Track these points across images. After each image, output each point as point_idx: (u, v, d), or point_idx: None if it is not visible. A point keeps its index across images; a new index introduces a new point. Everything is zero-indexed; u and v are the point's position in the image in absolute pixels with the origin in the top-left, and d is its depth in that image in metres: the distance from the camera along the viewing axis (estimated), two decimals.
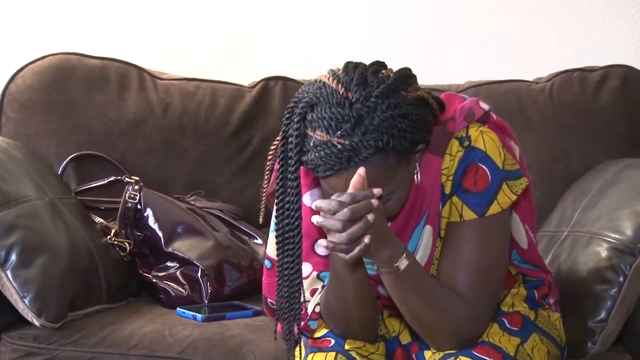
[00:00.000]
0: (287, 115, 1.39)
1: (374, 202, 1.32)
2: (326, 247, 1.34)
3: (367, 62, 1.44)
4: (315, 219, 1.33)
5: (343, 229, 1.32)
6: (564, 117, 2.22)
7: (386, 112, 1.35)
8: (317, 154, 1.35)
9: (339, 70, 1.40)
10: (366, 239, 1.32)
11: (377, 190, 1.33)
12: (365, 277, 1.47)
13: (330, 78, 1.38)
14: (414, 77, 1.41)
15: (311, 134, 1.36)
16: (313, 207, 1.34)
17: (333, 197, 1.34)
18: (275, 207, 1.44)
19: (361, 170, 1.33)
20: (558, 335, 1.59)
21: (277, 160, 1.41)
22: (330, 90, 1.36)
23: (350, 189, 1.33)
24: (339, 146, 1.34)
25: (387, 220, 1.43)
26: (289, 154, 1.38)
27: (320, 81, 1.39)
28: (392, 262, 1.38)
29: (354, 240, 1.32)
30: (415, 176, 1.45)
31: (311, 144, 1.36)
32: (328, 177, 1.38)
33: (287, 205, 1.41)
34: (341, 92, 1.35)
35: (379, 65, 1.40)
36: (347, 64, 1.41)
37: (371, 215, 1.32)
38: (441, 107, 1.46)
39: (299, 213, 1.41)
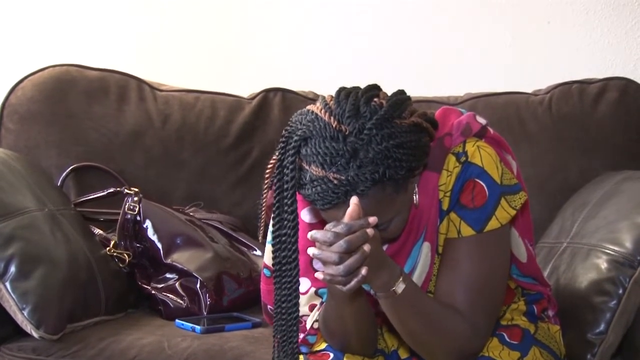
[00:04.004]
0: (282, 145, 1.38)
1: (370, 231, 1.31)
2: (323, 279, 1.32)
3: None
4: (311, 251, 1.32)
5: (340, 261, 1.30)
6: (563, 129, 2.22)
7: (381, 144, 1.33)
8: (314, 189, 1.35)
9: (331, 99, 1.38)
10: (363, 271, 1.31)
11: (372, 219, 1.32)
12: (364, 303, 1.46)
13: (322, 110, 1.36)
14: (407, 100, 1.39)
15: (307, 167, 1.35)
16: (308, 237, 1.33)
17: (328, 226, 1.32)
18: (271, 238, 1.43)
19: (355, 199, 1.32)
20: (558, 348, 1.58)
21: (274, 190, 1.40)
22: (323, 124, 1.34)
23: (346, 219, 1.31)
24: (335, 181, 1.33)
25: (384, 245, 1.43)
26: (285, 186, 1.37)
27: (312, 112, 1.37)
28: (389, 287, 1.37)
29: (351, 272, 1.31)
30: (414, 197, 1.45)
31: (307, 178, 1.35)
32: (327, 210, 1.37)
33: (283, 238, 1.40)
34: (334, 125, 1.34)
35: (372, 90, 1.38)
36: (339, 91, 1.38)
37: (367, 246, 1.30)
38: (435, 127, 1.45)
39: (295, 246, 1.40)
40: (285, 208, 1.38)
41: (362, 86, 1.41)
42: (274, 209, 1.40)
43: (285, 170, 1.37)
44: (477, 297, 1.44)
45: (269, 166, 1.45)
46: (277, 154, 1.39)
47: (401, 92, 1.40)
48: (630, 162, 2.17)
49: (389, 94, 1.41)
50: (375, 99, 1.37)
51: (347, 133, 1.34)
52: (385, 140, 1.34)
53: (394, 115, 1.36)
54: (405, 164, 1.35)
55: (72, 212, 2.04)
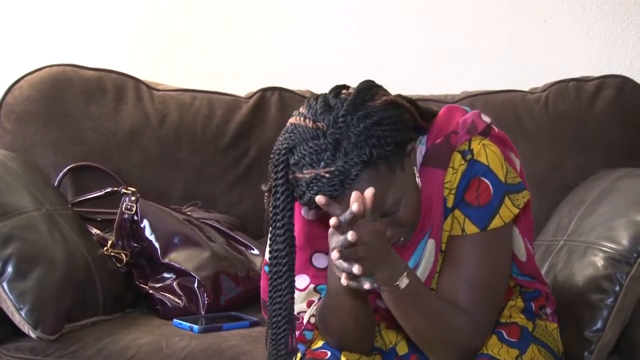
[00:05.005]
0: (272, 166, 1.40)
1: (355, 208, 1.29)
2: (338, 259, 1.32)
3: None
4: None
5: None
6: (560, 127, 2.23)
7: (359, 126, 1.35)
8: (311, 192, 1.36)
9: (303, 108, 1.41)
10: (355, 269, 1.30)
11: (368, 193, 1.31)
12: (363, 298, 1.46)
13: (298, 117, 1.39)
14: (377, 86, 1.42)
15: (300, 175, 1.37)
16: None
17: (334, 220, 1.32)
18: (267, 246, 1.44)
19: (354, 196, 1.31)
20: (555, 345, 1.59)
21: (270, 208, 1.42)
22: (301, 129, 1.37)
23: (353, 199, 1.31)
24: (328, 175, 1.35)
25: (406, 243, 1.43)
26: (276, 202, 1.39)
27: (290, 124, 1.40)
28: (393, 281, 1.38)
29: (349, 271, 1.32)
30: (417, 180, 1.45)
31: (303, 186, 1.37)
32: None
33: (275, 254, 1.41)
34: (311, 125, 1.37)
35: (339, 88, 1.42)
36: (308, 99, 1.42)
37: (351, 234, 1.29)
38: (420, 111, 1.46)
39: (286, 260, 1.41)
40: (277, 224, 1.40)
41: None
42: (270, 223, 1.42)
43: (278, 188, 1.39)
44: (479, 294, 1.45)
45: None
46: (270, 179, 1.41)
47: (369, 81, 1.42)
48: (627, 160, 2.18)
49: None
50: (344, 91, 1.40)
51: (324, 128, 1.36)
52: (362, 121, 1.36)
53: (365, 99, 1.38)
54: (389, 139, 1.37)
55: (69, 212, 2.04)
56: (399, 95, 1.43)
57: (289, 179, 1.39)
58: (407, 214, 1.43)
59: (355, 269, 1.30)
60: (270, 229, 1.42)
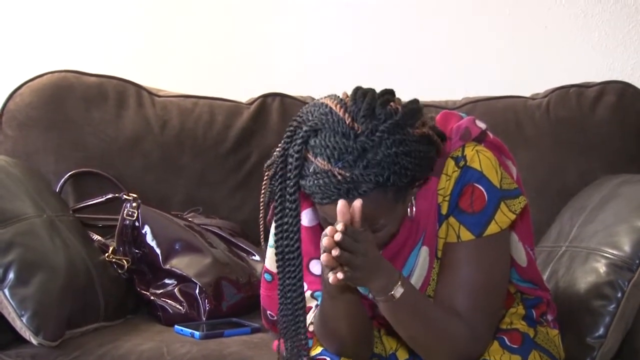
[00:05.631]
0: (289, 134, 1.38)
1: (338, 235, 1.31)
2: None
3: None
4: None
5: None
6: (561, 133, 2.23)
7: (390, 149, 1.34)
8: (315, 182, 1.35)
9: (347, 96, 1.39)
10: (339, 274, 1.32)
11: (357, 204, 1.32)
12: (356, 297, 1.46)
13: (338, 105, 1.37)
14: (421, 111, 1.41)
15: (312, 159, 1.36)
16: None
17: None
18: (274, 227, 1.44)
19: (340, 205, 1.33)
20: (557, 352, 1.59)
21: (276, 179, 1.40)
22: (336, 118, 1.35)
23: (339, 218, 1.33)
24: (339, 177, 1.34)
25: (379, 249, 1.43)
26: (288, 174, 1.37)
27: (326, 106, 1.37)
28: (388, 291, 1.38)
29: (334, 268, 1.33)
30: (410, 209, 1.45)
31: (311, 170, 1.36)
32: (324, 205, 1.38)
33: (285, 227, 1.40)
34: (347, 121, 1.35)
35: (388, 95, 1.39)
36: (356, 90, 1.39)
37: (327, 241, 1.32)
38: (442, 140, 1.46)
39: (298, 235, 1.40)
40: (288, 197, 1.38)
41: None
42: (276, 197, 1.40)
43: (289, 159, 1.37)
44: (477, 301, 1.45)
45: (266, 176, 1.45)
46: (283, 142, 1.39)
47: (416, 102, 1.41)
48: (629, 165, 2.18)
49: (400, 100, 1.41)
50: (392, 104, 1.38)
51: (359, 132, 1.35)
52: (395, 145, 1.35)
53: (407, 123, 1.37)
54: (410, 172, 1.36)
55: (70, 218, 2.04)
56: (433, 127, 1.42)
57: (302, 155, 1.37)
58: (385, 238, 1.44)
59: (340, 274, 1.32)
60: (277, 203, 1.40)
